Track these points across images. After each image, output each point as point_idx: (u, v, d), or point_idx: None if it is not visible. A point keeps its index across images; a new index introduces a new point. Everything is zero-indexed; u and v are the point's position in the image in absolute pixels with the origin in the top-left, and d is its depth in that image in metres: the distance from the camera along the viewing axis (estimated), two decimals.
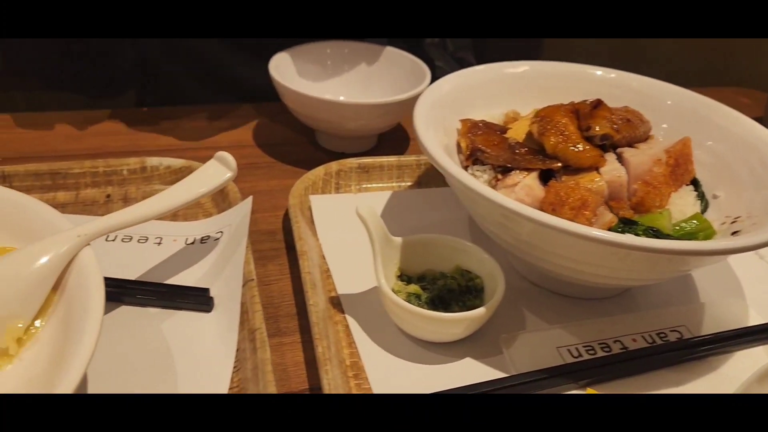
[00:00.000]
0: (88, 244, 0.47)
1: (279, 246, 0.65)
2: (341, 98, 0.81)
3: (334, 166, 0.72)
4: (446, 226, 0.67)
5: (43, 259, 0.45)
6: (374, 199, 0.70)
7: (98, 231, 0.48)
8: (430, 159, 0.55)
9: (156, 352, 0.51)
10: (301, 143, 0.82)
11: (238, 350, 0.51)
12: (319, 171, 0.71)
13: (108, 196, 0.67)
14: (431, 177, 0.75)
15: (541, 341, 0.55)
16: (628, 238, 0.46)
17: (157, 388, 0.48)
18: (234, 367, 0.49)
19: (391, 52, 0.85)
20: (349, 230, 0.65)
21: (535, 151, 0.58)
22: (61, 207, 0.64)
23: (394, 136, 0.85)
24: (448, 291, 0.55)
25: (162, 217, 0.53)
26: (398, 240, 0.57)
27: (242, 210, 0.62)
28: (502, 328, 0.55)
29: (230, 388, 0.48)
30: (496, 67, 0.68)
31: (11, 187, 0.62)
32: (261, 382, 0.46)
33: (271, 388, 0.46)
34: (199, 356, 0.51)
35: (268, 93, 0.80)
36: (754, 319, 0.59)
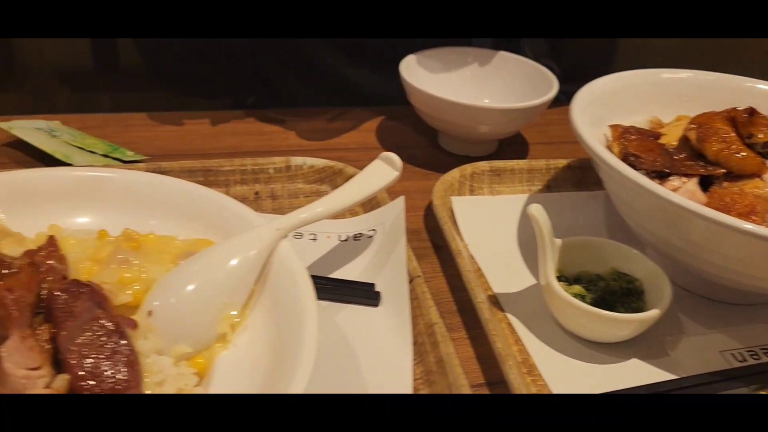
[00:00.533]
0: (285, 237, 0.50)
1: (425, 245, 0.66)
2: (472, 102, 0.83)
3: (468, 168, 0.74)
4: (582, 229, 0.68)
5: (250, 251, 0.47)
6: (510, 201, 0.72)
7: (294, 225, 0.50)
8: (595, 156, 0.56)
9: (336, 343, 0.53)
10: (424, 146, 0.84)
11: (414, 344, 0.52)
12: (455, 173, 0.73)
13: (256, 193, 0.70)
14: (560, 181, 0.76)
15: (704, 345, 0.55)
16: None
17: (346, 377, 0.50)
18: (415, 361, 0.51)
19: (509, 57, 0.86)
20: (492, 231, 0.67)
21: (693, 158, 0.59)
22: None
23: (513, 140, 0.86)
24: (611, 293, 0.56)
25: (340, 213, 0.55)
26: (558, 241, 0.58)
27: (395, 209, 0.63)
28: (661, 332, 0.56)
29: (415, 379, 0.50)
30: (641, 73, 0.69)
31: None
32: (450, 375, 0.48)
33: (462, 381, 0.47)
34: (375, 348, 0.52)
35: (375, 99, 0.82)
36: None
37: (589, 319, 0.53)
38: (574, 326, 0.55)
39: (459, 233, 0.66)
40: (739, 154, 0.57)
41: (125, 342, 0.40)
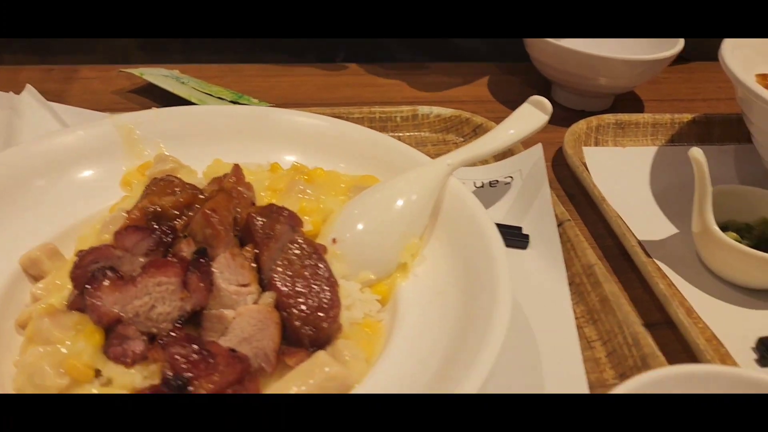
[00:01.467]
0: (452, 173, 0.50)
1: (559, 193, 0.66)
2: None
3: (594, 120, 0.73)
4: (714, 182, 0.67)
5: (426, 184, 0.48)
6: (641, 154, 0.71)
7: (464, 159, 0.51)
8: (743, 88, 0.55)
9: None
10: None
11: (570, 284, 0.52)
12: (581, 125, 0.72)
13: None
14: (684, 136, 0.75)
15: None
16: None
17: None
18: (573, 300, 0.51)
19: None
20: (625, 181, 0.67)
21: None
22: None
23: (626, 97, 0.85)
24: (764, 240, 0.55)
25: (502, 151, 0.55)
26: (710, 188, 0.57)
27: (533, 155, 0.63)
28: None
29: (576, 318, 0.50)
30: None
31: None
32: (619, 313, 0.48)
33: (633, 318, 0.47)
34: (531, 289, 0.53)
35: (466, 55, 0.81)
36: None
37: (750, 264, 0.52)
38: (731, 271, 0.54)
39: (593, 182, 0.66)
40: None
41: (324, 265, 0.41)
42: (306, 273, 0.40)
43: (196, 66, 0.84)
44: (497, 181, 0.64)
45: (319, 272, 0.41)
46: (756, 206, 0.58)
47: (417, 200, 0.47)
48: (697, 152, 0.54)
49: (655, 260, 0.57)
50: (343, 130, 0.55)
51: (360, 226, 0.46)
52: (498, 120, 0.60)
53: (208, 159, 0.52)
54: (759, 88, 0.55)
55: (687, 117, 0.76)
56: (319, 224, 0.47)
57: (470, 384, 0.34)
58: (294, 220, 0.43)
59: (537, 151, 0.64)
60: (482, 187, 0.64)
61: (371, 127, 0.70)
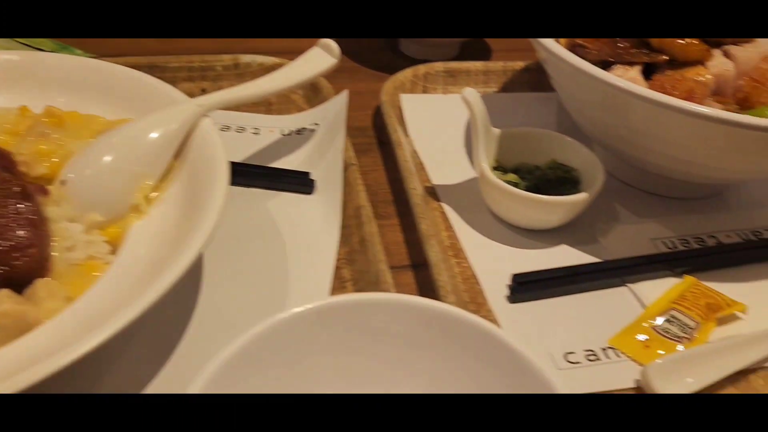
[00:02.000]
0: (207, 116, 0.49)
1: (371, 141, 0.66)
2: None
3: (421, 68, 0.72)
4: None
5: (168, 125, 0.47)
6: (461, 101, 0.70)
7: (217, 102, 0.50)
8: (536, 44, 0.55)
9: (264, 228, 0.53)
10: (384, 50, 0.83)
11: (343, 227, 0.52)
12: (407, 73, 0.72)
13: (203, 90, 0.69)
14: (517, 83, 0.75)
15: (635, 233, 0.55)
16: (742, 117, 0.45)
17: (269, 259, 0.50)
18: (339, 242, 0.51)
19: None
20: (438, 127, 0.66)
21: (638, 45, 0.57)
22: None
23: (477, 45, 0.84)
24: (545, 181, 0.56)
25: (272, 96, 0.55)
26: (497, 131, 0.57)
27: (338, 103, 0.63)
28: (596, 221, 0.56)
29: (337, 260, 0.50)
30: None
31: None
32: (370, 252, 0.48)
33: (381, 257, 0.47)
34: (304, 232, 0.53)
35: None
36: None
37: (518, 203, 0.52)
38: (505, 212, 0.54)
39: (406, 130, 0.66)
40: (682, 40, 0.55)
41: (29, 204, 0.40)
42: (7, 213, 0.40)
43: None
44: (304, 128, 0.64)
45: (22, 211, 0.40)
46: (548, 148, 0.58)
47: (155, 141, 0.46)
48: (468, 93, 0.54)
49: (442, 204, 0.57)
50: (120, 73, 0.54)
51: (89, 167, 0.45)
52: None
53: None
54: (551, 43, 0.54)
55: (519, 65, 0.75)
56: (58, 167, 0.46)
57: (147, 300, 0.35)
58: (3, 159, 0.42)
59: (342, 98, 0.63)
60: (289, 134, 0.63)
61: (191, 77, 0.70)
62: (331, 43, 0.58)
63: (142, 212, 0.45)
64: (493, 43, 0.86)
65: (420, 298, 0.34)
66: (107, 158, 0.45)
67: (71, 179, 0.44)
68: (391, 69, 0.78)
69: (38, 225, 0.40)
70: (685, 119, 0.47)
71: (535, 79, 0.75)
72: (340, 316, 0.34)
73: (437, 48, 0.80)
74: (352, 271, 0.49)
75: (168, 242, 0.43)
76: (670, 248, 0.54)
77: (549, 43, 0.54)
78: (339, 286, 0.48)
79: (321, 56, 0.58)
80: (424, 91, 0.72)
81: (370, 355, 0.35)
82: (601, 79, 0.50)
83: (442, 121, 0.67)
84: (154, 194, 0.46)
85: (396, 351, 0.35)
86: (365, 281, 0.47)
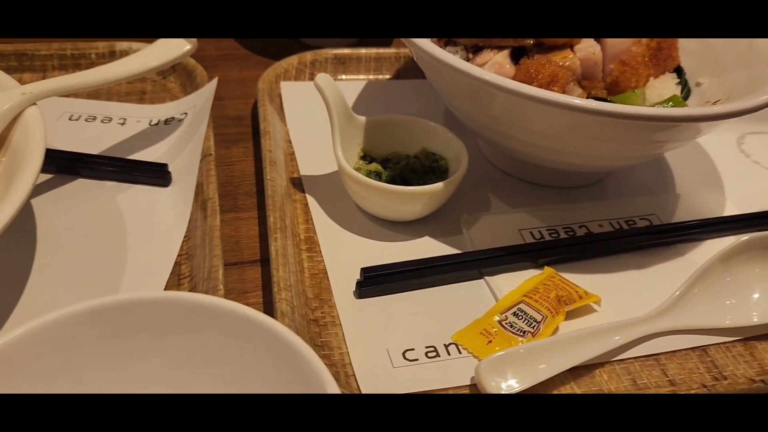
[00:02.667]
0: (35, 104, 0.46)
1: (246, 131, 0.63)
2: None
3: (308, 56, 0.70)
4: (421, 117, 0.65)
5: None
6: (348, 87, 0.68)
7: (45, 90, 0.47)
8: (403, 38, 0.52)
9: (109, 221, 0.50)
10: (281, 40, 0.80)
11: (190, 221, 0.50)
12: (293, 60, 0.69)
13: None
14: (410, 71, 0.73)
15: (502, 223, 0.53)
16: (589, 102, 0.44)
17: (108, 252, 0.47)
18: (185, 237, 0.49)
19: None
20: (317, 117, 0.63)
21: None
22: None
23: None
24: (411, 171, 0.54)
25: (112, 84, 0.52)
26: (362, 119, 0.55)
27: (207, 92, 0.60)
28: (465, 210, 0.54)
29: (179, 255, 0.47)
30: None
31: None
32: (208, 247, 0.46)
33: (217, 252, 0.45)
34: (152, 225, 0.50)
35: None
36: (730, 212, 0.57)
37: (376, 195, 0.50)
38: (366, 204, 0.52)
39: (284, 119, 0.63)
40: None
41: None
42: None
43: None
44: (173, 118, 0.61)
45: None
46: (418, 137, 0.56)
47: None
48: (320, 79, 0.51)
49: (307, 196, 0.55)
50: None
51: None
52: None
53: None
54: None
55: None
56: None
57: None
58: None
59: (210, 86, 0.60)
60: (157, 124, 0.60)
61: (62, 65, 0.67)
62: None
63: None
64: None
65: (187, 294, 0.32)
66: None
67: None
68: (285, 56, 0.75)
69: None
70: (543, 108, 0.45)
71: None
72: (111, 317, 0.32)
73: (335, 39, 0.77)
74: (191, 267, 0.47)
75: None
76: (536, 239, 0.52)
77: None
78: (176, 282, 0.46)
79: (177, 42, 0.55)
80: (312, 79, 0.69)
81: (140, 356, 0.32)
82: (456, 67, 0.47)
83: (322, 110, 0.64)
84: None
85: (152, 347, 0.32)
86: (199, 277, 0.45)
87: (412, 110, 0.66)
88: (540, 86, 0.51)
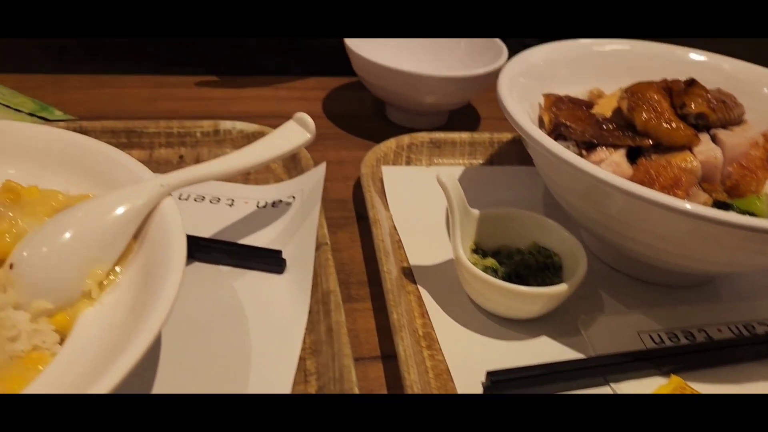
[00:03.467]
0: (170, 195, 0.47)
1: (349, 215, 0.64)
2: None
3: (405, 139, 0.71)
4: (519, 205, 0.65)
5: (127, 206, 0.45)
6: (446, 172, 0.68)
7: (180, 181, 0.48)
8: (513, 125, 0.53)
9: (229, 309, 0.50)
10: (371, 117, 0.81)
11: (310, 313, 0.50)
12: (391, 143, 0.70)
13: (181, 157, 0.68)
14: (504, 155, 0.73)
15: (621, 325, 0.52)
16: (730, 215, 0.43)
17: (232, 344, 0.47)
18: (306, 329, 0.49)
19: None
20: (420, 202, 0.64)
21: (623, 128, 0.56)
22: None
23: (465, 114, 0.83)
24: (525, 267, 0.53)
25: (240, 174, 0.53)
26: (476, 212, 0.55)
27: (315, 175, 0.61)
28: (579, 310, 0.53)
29: (302, 350, 0.47)
30: (583, 43, 0.66)
31: None
32: (336, 344, 0.45)
33: (346, 350, 0.45)
34: (271, 316, 0.50)
35: (341, 65, 0.80)
36: None
37: (495, 293, 0.50)
38: (483, 301, 0.52)
39: (386, 204, 0.64)
40: (668, 124, 0.54)
41: None
42: None
43: (16, 76, 0.80)
44: (280, 201, 0.62)
45: None
46: (529, 230, 0.56)
47: (113, 224, 0.44)
48: (443, 175, 0.52)
49: (419, 287, 0.55)
50: (86, 146, 0.52)
51: (40, 251, 0.42)
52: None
53: None
54: (526, 124, 0.52)
55: (507, 136, 0.74)
56: (8, 248, 0.44)
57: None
58: None
59: (320, 170, 0.61)
60: (264, 207, 0.61)
61: (169, 143, 0.68)
62: (305, 117, 0.56)
63: (94, 299, 0.43)
64: (480, 109, 0.85)
65: None
66: (60, 241, 0.43)
67: (20, 263, 0.42)
68: (377, 137, 0.76)
69: None
70: (667, 213, 0.45)
71: (522, 151, 0.73)
72: None
73: (424, 116, 0.79)
74: (317, 364, 0.46)
75: (119, 331, 0.41)
76: (657, 343, 0.51)
77: (526, 124, 0.52)
78: (302, 380, 0.45)
79: (295, 131, 0.56)
80: (408, 161, 0.70)
81: None
82: (578, 166, 0.47)
83: (425, 196, 0.65)
84: (108, 279, 0.44)
85: None
86: (328, 376, 0.44)
87: (510, 197, 0.67)
88: (662, 189, 0.51)
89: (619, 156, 0.54)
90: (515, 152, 0.73)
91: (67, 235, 0.43)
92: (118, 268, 0.45)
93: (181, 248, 0.42)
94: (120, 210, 0.45)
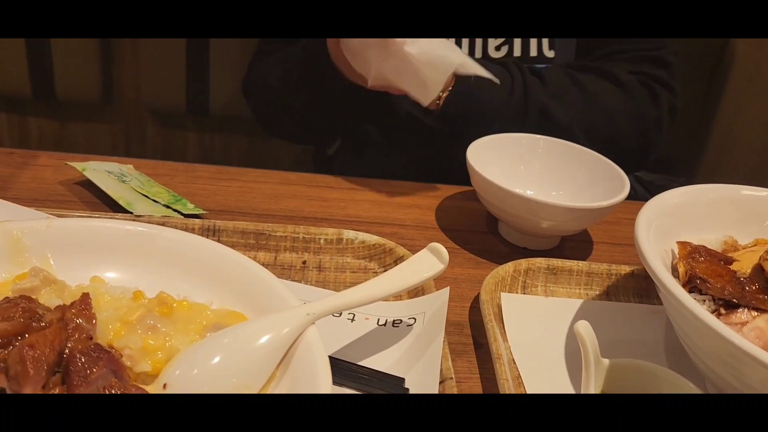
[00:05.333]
0: (314, 323, 0.48)
1: (467, 341, 0.64)
2: (531, 193, 0.81)
3: (523, 263, 0.71)
4: (637, 347, 0.64)
5: (275, 335, 0.46)
6: (564, 306, 0.68)
7: (325, 311, 0.49)
8: (653, 275, 0.53)
9: None
10: (484, 232, 0.82)
11: None
12: (509, 267, 0.70)
13: (304, 262, 0.70)
14: (621, 288, 0.72)
15: None
16: None
17: None
18: None
19: (585, 152, 0.84)
20: (540, 335, 0.64)
21: (767, 291, 0.54)
22: None
23: (578, 237, 0.82)
24: None
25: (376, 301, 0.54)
26: (606, 362, 0.54)
27: (438, 299, 0.61)
28: None
29: None
30: (720, 187, 0.65)
31: (219, 241, 0.66)
32: None
33: None
34: None
35: (460, 177, 0.81)
36: None
37: None
38: None
39: (504, 333, 0.63)
40: None
41: None
42: None
43: (152, 162, 0.86)
44: (401, 320, 0.62)
45: None
46: (658, 385, 0.54)
47: (261, 351, 0.46)
48: (582, 327, 0.51)
49: None
50: (232, 260, 0.55)
51: (190, 373, 0.44)
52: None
53: (87, 276, 0.53)
54: (665, 276, 0.52)
55: (625, 269, 0.73)
56: (162, 364, 0.46)
57: None
58: (114, 364, 0.42)
59: (443, 295, 0.62)
60: (384, 325, 0.62)
61: (294, 248, 0.71)
62: (440, 248, 0.57)
63: None
64: (594, 234, 0.84)
65: None
66: (210, 367, 0.45)
67: (172, 384, 0.44)
68: (490, 254, 0.77)
69: None
70: None
71: (642, 286, 0.72)
72: None
73: (538, 238, 0.79)
74: None
75: None
76: None
77: (664, 275, 0.51)
78: None
79: (429, 260, 0.57)
80: (524, 287, 0.70)
81: None
82: (721, 334, 0.46)
83: (545, 329, 0.64)
84: None
85: None
86: None
87: (629, 338, 0.65)
88: None
89: (763, 321, 0.52)
90: (634, 287, 0.72)
91: (219, 360, 0.45)
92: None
93: (327, 383, 0.43)
94: (269, 337, 0.46)
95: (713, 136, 1.53)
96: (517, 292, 0.69)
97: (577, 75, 0.95)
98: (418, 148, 1.02)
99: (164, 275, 0.54)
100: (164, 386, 0.44)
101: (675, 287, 0.51)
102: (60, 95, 1.49)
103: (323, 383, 0.43)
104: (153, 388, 0.44)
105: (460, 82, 0.87)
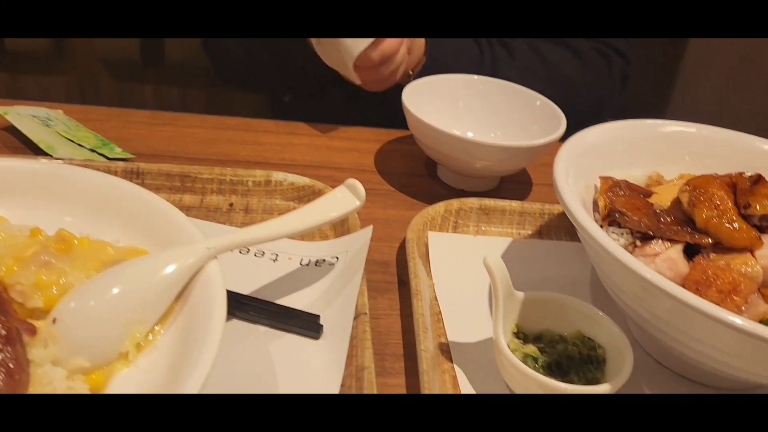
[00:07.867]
0: (215, 258, 0.47)
1: (391, 279, 0.63)
2: (470, 135, 0.80)
3: (455, 203, 0.70)
4: (566, 283, 0.64)
5: (172, 269, 0.46)
6: (493, 244, 0.68)
7: (227, 246, 0.48)
8: (568, 213, 0.52)
9: (262, 372, 0.50)
10: (422, 175, 0.81)
11: (342, 385, 0.49)
12: (439, 207, 0.69)
13: (231, 204, 0.68)
14: (553, 227, 0.72)
15: None
16: None
17: None
18: None
19: (524, 92, 0.82)
20: (465, 273, 0.63)
21: (682, 222, 0.54)
22: (186, 210, 0.65)
23: (516, 179, 0.82)
24: (568, 358, 0.52)
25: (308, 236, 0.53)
26: (520, 295, 0.54)
27: (361, 238, 0.61)
28: None
29: None
30: (646, 123, 0.64)
31: (143, 184, 0.64)
32: None
33: None
34: (303, 382, 0.50)
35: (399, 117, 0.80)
36: None
37: (534, 385, 0.48)
38: (521, 390, 0.50)
39: (429, 271, 0.63)
40: (730, 224, 0.51)
41: (10, 349, 0.39)
42: None
43: (83, 107, 0.83)
44: (324, 260, 0.62)
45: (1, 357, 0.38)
46: (575, 318, 0.54)
47: (156, 286, 0.45)
48: (490, 260, 0.51)
49: (455, 366, 0.53)
50: (142, 198, 0.53)
51: (83, 308, 0.43)
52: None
53: None
54: (578, 210, 0.51)
55: (558, 208, 0.72)
56: (55, 301, 0.45)
57: None
58: None
59: (366, 233, 0.61)
60: (308, 265, 0.61)
61: (220, 190, 0.69)
62: (357, 184, 0.56)
63: (130, 361, 0.43)
64: (533, 175, 0.83)
65: None
66: (105, 300, 0.44)
67: (63, 319, 0.43)
68: (427, 196, 0.76)
69: (14, 373, 0.38)
70: (718, 325, 0.43)
71: (573, 226, 0.71)
72: None
73: (476, 180, 0.78)
74: None
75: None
76: None
77: (581, 215, 0.51)
78: None
79: (346, 197, 0.56)
80: (455, 227, 0.70)
81: None
82: (629, 266, 0.46)
83: (469, 267, 0.63)
84: (146, 340, 0.44)
85: None
86: None
87: (557, 275, 0.65)
88: (719, 293, 0.48)
89: (675, 252, 0.52)
90: (565, 225, 0.71)
91: (113, 294, 0.44)
92: (158, 327, 0.46)
93: (221, 316, 0.43)
94: (166, 272, 0.45)
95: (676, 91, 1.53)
96: (447, 232, 0.69)
97: (539, 45, 0.97)
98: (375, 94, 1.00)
99: (70, 214, 0.52)
100: (54, 320, 0.43)
101: (590, 225, 0.50)
102: (9, 46, 1.45)
103: (218, 317, 0.42)
104: (44, 324, 0.43)
105: (432, 59, 0.88)
